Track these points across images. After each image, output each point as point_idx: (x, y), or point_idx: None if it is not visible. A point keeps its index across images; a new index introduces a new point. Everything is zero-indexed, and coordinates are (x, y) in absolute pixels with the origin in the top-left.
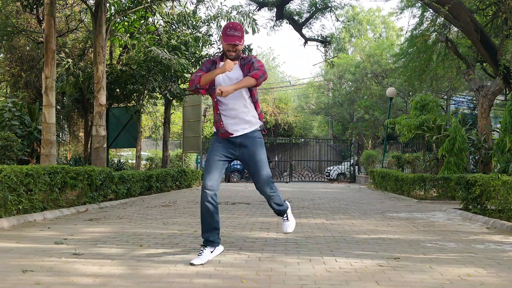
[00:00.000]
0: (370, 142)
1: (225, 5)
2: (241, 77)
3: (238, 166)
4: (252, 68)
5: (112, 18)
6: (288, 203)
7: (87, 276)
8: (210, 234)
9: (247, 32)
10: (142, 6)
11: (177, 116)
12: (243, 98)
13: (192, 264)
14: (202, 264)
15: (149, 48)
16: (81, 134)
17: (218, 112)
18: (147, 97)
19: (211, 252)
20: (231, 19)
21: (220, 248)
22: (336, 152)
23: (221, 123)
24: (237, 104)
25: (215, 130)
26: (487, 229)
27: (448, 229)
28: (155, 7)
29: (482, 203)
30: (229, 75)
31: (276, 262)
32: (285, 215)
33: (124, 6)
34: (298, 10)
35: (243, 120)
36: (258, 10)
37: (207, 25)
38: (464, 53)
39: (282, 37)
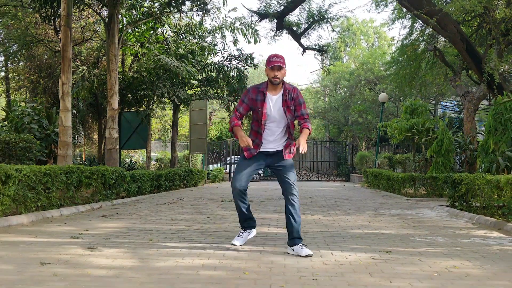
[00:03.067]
0: (364, 143)
1: (229, 17)
2: (281, 107)
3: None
4: (298, 107)
5: (124, 28)
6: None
7: (100, 268)
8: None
9: (249, 42)
10: (152, 18)
11: (184, 120)
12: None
13: (233, 245)
14: (241, 245)
15: (158, 56)
16: (95, 136)
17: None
18: (156, 102)
19: (248, 234)
20: (235, 30)
21: (254, 231)
22: (332, 153)
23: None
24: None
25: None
26: (472, 224)
27: (436, 225)
28: (164, 18)
29: (468, 201)
30: (272, 104)
31: (277, 256)
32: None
33: (135, 17)
34: (296, 21)
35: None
36: (260, 21)
37: (212, 35)
38: (451, 61)
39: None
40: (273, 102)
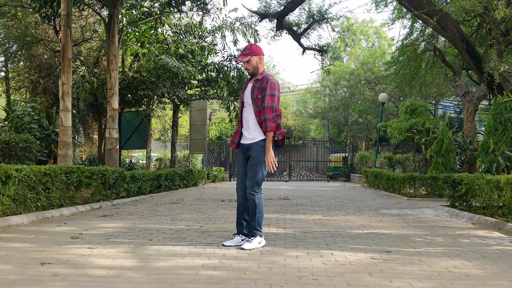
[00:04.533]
0: (364, 143)
1: (229, 17)
2: (249, 97)
3: None
4: (264, 99)
5: (124, 28)
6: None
7: (101, 268)
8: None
9: (249, 42)
10: (152, 18)
11: (184, 120)
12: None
13: (242, 248)
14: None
15: (159, 57)
16: (95, 136)
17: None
18: (156, 102)
19: (259, 242)
20: (235, 30)
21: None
22: (332, 153)
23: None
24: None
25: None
26: (472, 224)
27: (436, 225)
28: (164, 18)
29: (468, 201)
30: (246, 94)
31: (276, 255)
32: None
33: (135, 17)
34: (296, 21)
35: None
36: (260, 21)
37: (212, 35)
38: (451, 61)
39: (282, 46)
40: (248, 89)
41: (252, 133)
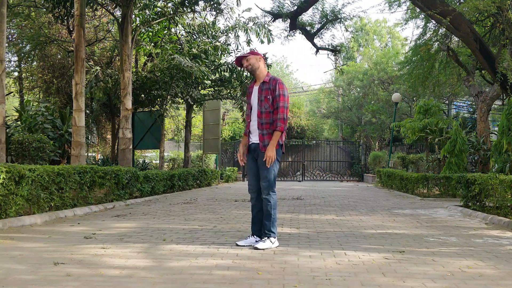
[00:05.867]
0: (377, 143)
1: (242, 17)
2: (256, 97)
3: None
4: (275, 100)
5: (138, 28)
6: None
7: (114, 268)
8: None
9: (262, 42)
10: (165, 18)
11: (197, 120)
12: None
13: (256, 248)
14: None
15: (172, 56)
16: (109, 136)
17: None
18: (169, 102)
19: (272, 243)
20: (248, 30)
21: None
22: (345, 153)
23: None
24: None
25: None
26: (486, 224)
27: (450, 225)
28: (177, 18)
29: (481, 201)
30: (253, 97)
31: (290, 255)
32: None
33: (148, 17)
34: (310, 21)
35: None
36: (273, 21)
37: (226, 35)
38: (464, 61)
39: (295, 46)
40: (253, 92)
41: (256, 136)
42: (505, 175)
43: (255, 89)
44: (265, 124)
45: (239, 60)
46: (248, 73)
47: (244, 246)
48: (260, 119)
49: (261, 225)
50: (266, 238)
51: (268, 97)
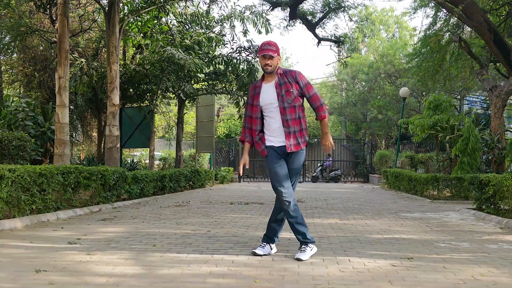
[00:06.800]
0: (383, 142)
1: (238, 5)
2: (275, 93)
3: None
4: (305, 90)
5: (126, 18)
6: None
7: (100, 276)
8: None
9: (260, 32)
10: (155, 6)
11: (190, 116)
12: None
13: (300, 259)
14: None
15: (164, 48)
16: (95, 134)
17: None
18: (160, 97)
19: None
20: (244, 19)
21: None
22: (350, 152)
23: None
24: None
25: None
26: (501, 229)
27: (462, 229)
28: (168, 7)
29: (496, 203)
30: (268, 96)
31: (290, 262)
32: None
33: (137, 6)
34: (311, 10)
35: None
36: (272, 10)
37: (221, 25)
38: (478, 53)
39: (296, 37)
40: (265, 91)
41: (278, 138)
42: None
43: (268, 86)
44: (290, 121)
45: (264, 52)
46: (245, 66)
47: (263, 254)
48: (284, 116)
49: (277, 232)
50: (305, 246)
51: (290, 90)
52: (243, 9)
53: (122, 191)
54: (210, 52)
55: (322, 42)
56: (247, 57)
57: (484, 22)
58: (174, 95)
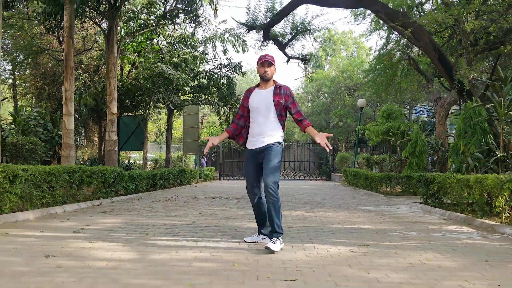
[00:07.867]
0: (344, 145)
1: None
2: (271, 101)
3: None
4: (293, 105)
5: (122, 39)
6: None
7: (101, 260)
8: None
9: (237, 51)
10: (148, 29)
11: (178, 123)
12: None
13: (268, 248)
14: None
15: (155, 64)
16: (96, 138)
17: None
18: (152, 107)
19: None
20: (224, 40)
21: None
22: (314, 154)
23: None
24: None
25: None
26: (444, 220)
27: (411, 220)
28: (159, 30)
29: (440, 198)
30: (260, 97)
31: (263, 249)
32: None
33: (132, 29)
34: (281, 33)
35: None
36: (248, 32)
37: (204, 45)
38: (424, 69)
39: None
40: (261, 95)
41: (267, 138)
42: (462, 174)
43: (262, 92)
44: (272, 124)
45: (264, 60)
46: (225, 81)
47: (250, 242)
48: (269, 119)
49: (265, 224)
50: (275, 238)
51: (281, 101)
52: (224, 31)
53: (119, 187)
54: (195, 68)
55: (291, 60)
56: (227, 72)
57: (430, 43)
58: (164, 105)
